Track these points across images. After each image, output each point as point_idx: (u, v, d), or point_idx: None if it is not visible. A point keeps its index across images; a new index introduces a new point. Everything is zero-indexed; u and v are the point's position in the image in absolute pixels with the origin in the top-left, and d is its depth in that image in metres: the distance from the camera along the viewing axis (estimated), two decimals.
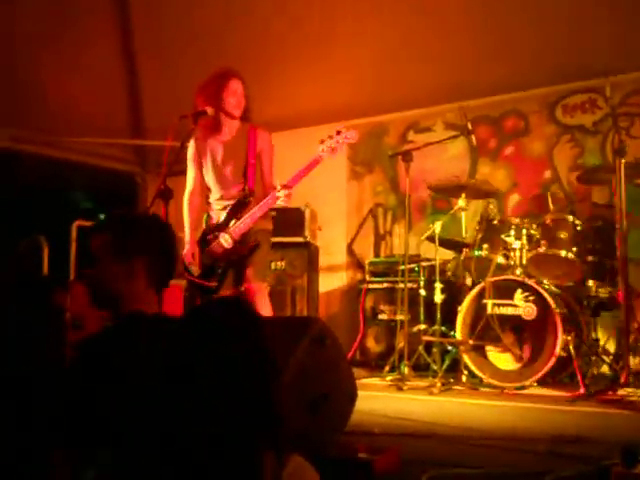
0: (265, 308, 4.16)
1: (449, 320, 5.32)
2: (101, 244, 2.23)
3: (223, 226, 4.29)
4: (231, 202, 4.31)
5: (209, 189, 4.46)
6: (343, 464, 2.31)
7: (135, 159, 9.13)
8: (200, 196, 4.53)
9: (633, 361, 4.63)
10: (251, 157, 4.30)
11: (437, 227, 5.34)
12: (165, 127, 7.64)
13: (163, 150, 8.65)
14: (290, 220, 6.64)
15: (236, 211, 4.27)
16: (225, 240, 4.25)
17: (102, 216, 2.47)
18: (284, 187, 4.12)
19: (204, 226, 4.46)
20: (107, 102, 7.51)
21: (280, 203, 4.17)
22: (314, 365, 2.44)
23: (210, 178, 4.42)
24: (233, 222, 4.25)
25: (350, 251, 7.54)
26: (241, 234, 4.23)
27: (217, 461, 1.41)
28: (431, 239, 5.48)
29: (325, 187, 7.26)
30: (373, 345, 6.32)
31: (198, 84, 4.40)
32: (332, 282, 7.48)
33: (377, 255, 7.32)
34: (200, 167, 4.47)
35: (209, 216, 4.45)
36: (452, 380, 4.93)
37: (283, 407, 2.31)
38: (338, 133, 4.20)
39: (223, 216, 4.32)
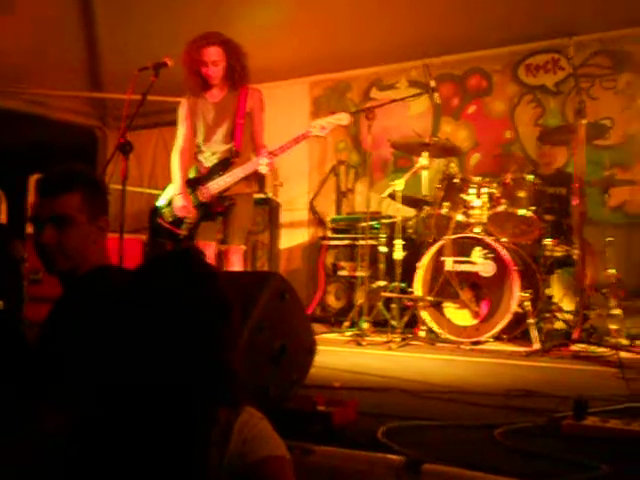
0: (237, 267, 4.25)
1: (409, 277, 5.37)
2: (76, 204, 2.09)
3: (204, 180, 4.36)
4: (219, 160, 4.35)
5: (198, 147, 4.51)
6: (302, 416, 2.34)
7: (95, 112, 8.97)
8: (188, 154, 4.55)
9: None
10: (239, 117, 4.34)
11: (398, 185, 5.35)
12: (125, 80, 7.55)
13: (122, 103, 8.55)
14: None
15: (219, 169, 4.33)
16: (201, 194, 4.31)
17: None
18: (269, 155, 4.18)
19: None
20: (66, 54, 7.34)
21: (261, 170, 4.22)
22: (274, 319, 2.46)
23: (200, 138, 4.49)
24: (215, 178, 4.30)
25: (312, 208, 7.53)
26: (219, 191, 4.29)
27: (161, 415, 1.42)
28: (393, 196, 5.50)
29: None
30: (333, 301, 6.37)
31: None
32: (293, 238, 7.49)
33: (339, 212, 7.33)
34: (191, 126, 4.51)
35: (197, 170, 4.48)
36: (410, 336, 5.00)
37: (242, 360, 2.33)
38: (332, 113, 4.27)
39: (207, 171, 4.37)
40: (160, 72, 4.18)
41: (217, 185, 4.31)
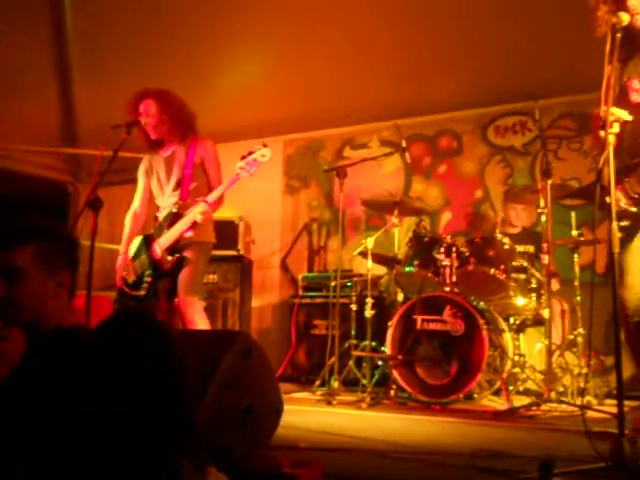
0: (198, 323, 4.12)
1: (380, 335, 5.37)
2: (29, 257, 2.07)
3: (155, 237, 4.31)
4: (165, 213, 4.34)
5: (157, 203, 4.51)
6: (267, 478, 2.30)
7: (67, 168, 8.97)
8: (144, 210, 4.55)
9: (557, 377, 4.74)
10: (187, 168, 4.31)
11: (369, 242, 5.38)
12: (98, 136, 7.56)
13: (96, 159, 8.54)
14: (223, 233, 6.60)
15: (168, 223, 4.28)
16: (153, 251, 4.26)
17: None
18: (202, 203, 4.16)
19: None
20: (40, 110, 7.36)
21: (198, 220, 4.17)
22: (240, 377, 2.43)
23: (155, 193, 4.50)
24: (164, 232, 4.26)
25: (284, 265, 7.53)
26: (168, 245, 4.24)
27: (125, 474, 1.39)
28: (364, 254, 5.53)
29: (260, 200, 7.27)
30: (304, 360, 6.33)
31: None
32: (265, 297, 7.47)
33: (311, 270, 7.33)
34: (146, 184, 4.55)
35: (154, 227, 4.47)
36: (381, 395, 4.96)
37: (206, 418, 2.30)
38: (254, 151, 4.23)
39: (157, 226, 4.34)
40: (133, 130, 4.22)
41: (166, 239, 4.26)
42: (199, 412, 2.24)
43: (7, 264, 2.07)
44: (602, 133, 2.69)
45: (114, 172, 4.30)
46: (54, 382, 1.86)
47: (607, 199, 2.65)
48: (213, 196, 4.20)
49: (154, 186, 4.50)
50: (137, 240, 4.48)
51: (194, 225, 4.20)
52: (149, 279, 4.27)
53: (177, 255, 4.21)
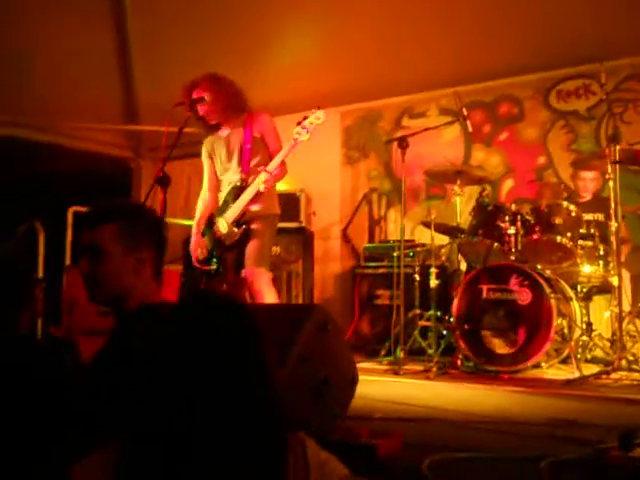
0: (268, 295, 4.18)
1: (444, 305, 5.37)
2: (109, 235, 2.15)
3: (220, 212, 4.37)
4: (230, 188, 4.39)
5: (220, 183, 4.57)
6: (346, 449, 2.33)
7: (128, 144, 9.12)
8: (213, 192, 4.61)
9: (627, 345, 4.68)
10: (245, 142, 4.35)
11: (433, 212, 5.36)
12: (158, 112, 7.66)
13: (156, 135, 8.66)
14: (285, 205, 6.63)
15: (232, 196, 4.34)
16: (222, 225, 4.33)
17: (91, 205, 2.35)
18: (264, 172, 4.20)
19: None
20: (100, 87, 7.49)
21: (261, 189, 4.21)
22: (316, 351, 2.47)
23: (220, 173, 4.55)
24: (227, 209, 4.32)
25: (344, 236, 7.55)
26: (235, 219, 4.29)
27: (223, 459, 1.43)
28: (426, 224, 5.51)
29: (319, 172, 7.29)
30: (368, 330, 6.37)
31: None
32: (327, 267, 7.51)
33: (371, 240, 7.34)
34: (212, 165, 4.60)
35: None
36: (447, 364, 4.97)
37: (285, 392, 2.34)
38: (305, 118, 4.25)
39: (222, 202, 4.40)
40: (196, 106, 4.27)
41: (232, 213, 4.33)
42: (278, 384, 2.28)
43: (89, 243, 2.16)
44: None
45: (176, 148, 4.35)
46: (140, 359, 1.93)
47: None
48: (274, 164, 4.23)
49: (218, 167, 4.56)
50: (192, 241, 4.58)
51: (258, 195, 4.24)
52: (218, 254, 4.35)
53: (243, 227, 4.27)
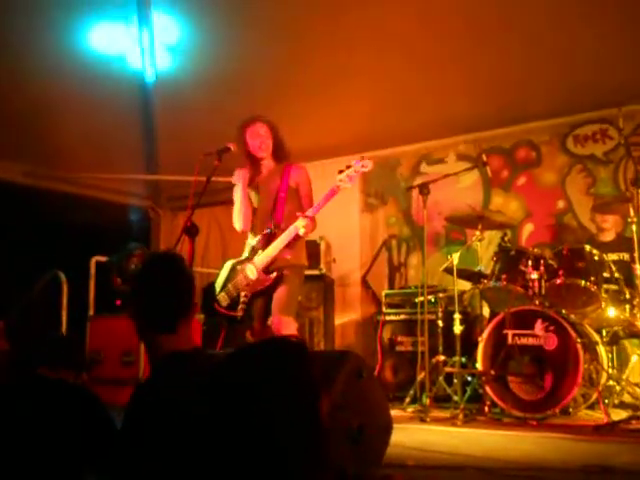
0: None
1: (467, 351, 5.35)
2: None
3: (250, 258, 4.38)
4: (261, 234, 4.41)
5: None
6: None
7: (148, 194, 9.24)
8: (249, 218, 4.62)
9: None
10: (282, 191, 4.40)
11: (455, 258, 5.38)
12: (177, 162, 7.73)
13: (175, 185, 8.75)
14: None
15: (263, 243, 4.35)
16: (250, 271, 4.33)
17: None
18: (303, 217, 4.22)
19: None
20: (122, 138, 7.60)
21: (300, 233, 4.24)
22: (352, 398, 2.47)
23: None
24: (259, 253, 4.33)
25: (364, 283, 7.57)
26: (266, 265, 4.30)
27: None
28: (448, 270, 5.53)
29: (339, 219, 7.33)
30: (391, 377, 6.33)
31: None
32: (347, 314, 7.52)
33: (391, 286, 7.35)
34: (247, 193, 4.58)
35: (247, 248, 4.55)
36: (474, 411, 4.93)
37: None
38: (355, 163, 4.28)
39: (250, 248, 4.42)
40: (223, 156, 4.34)
41: (262, 260, 4.33)
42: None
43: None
44: None
45: (193, 196, 4.41)
46: (182, 405, 1.95)
47: None
48: (312, 210, 4.26)
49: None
50: (228, 264, 4.57)
51: (290, 244, 4.27)
52: (245, 299, 4.36)
53: (276, 273, 4.29)
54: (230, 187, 4.70)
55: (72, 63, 5.73)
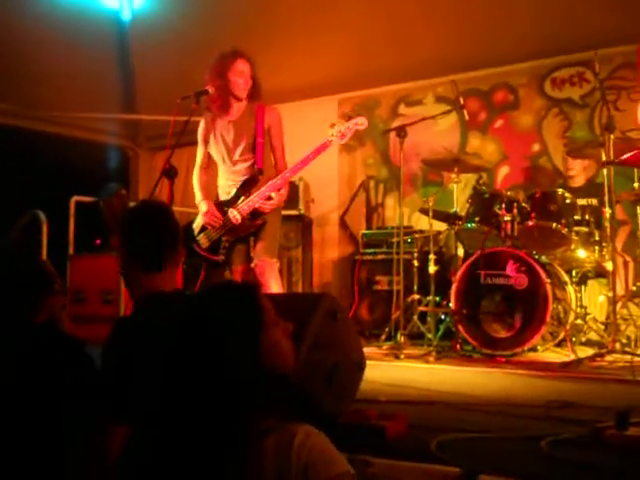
0: (275, 284, 4.29)
1: (441, 290, 5.49)
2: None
3: (232, 202, 4.42)
4: (240, 179, 4.44)
5: (220, 167, 4.58)
6: (356, 430, 2.46)
7: (126, 133, 9.19)
8: (207, 172, 4.66)
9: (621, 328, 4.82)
10: (259, 135, 4.41)
11: (430, 200, 5.48)
12: (156, 102, 7.69)
13: (153, 125, 8.70)
14: None
15: (245, 188, 4.39)
16: (234, 216, 4.38)
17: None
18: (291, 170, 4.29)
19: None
20: (100, 77, 7.54)
21: (274, 196, 4.33)
22: (327, 338, 2.58)
23: (220, 157, 4.54)
24: (242, 199, 4.38)
25: (342, 223, 7.67)
26: (249, 211, 4.35)
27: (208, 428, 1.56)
28: (424, 211, 5.62)
29: (317, 160, 7.31)
30: (367, 315, 6.49)
31: (208, 63, 4.47)
32: (325, 253, 7.63)
33: (369, 227, 7.45)
34: (210, 145, 4.60)
35: (223, 191, 4.57)
36: (446, 348, 5.10)
37: (298, 377, 2.46)
38: (349, 119, 4.32)
39: (232, 192, 4.44)
40: (201, 98, 4.36)
41: (247, 205, 4.38)
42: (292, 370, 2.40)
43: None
44: None
45: (172, 136, 4.40)
46: (161, 342, 2.06)
47: None
48: (301, 163, 4.32)
49: (218, 150, 4.57)
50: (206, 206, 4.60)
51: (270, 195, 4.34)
52: (226, 244, 4.42)
53: (262, 220, 4.35)
54: None
55: (48, 5, 5.66)
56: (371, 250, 6.65)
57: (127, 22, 5.94)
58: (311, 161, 4.33)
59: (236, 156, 4.48)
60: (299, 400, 2.24)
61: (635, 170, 5.11)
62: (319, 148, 4.30)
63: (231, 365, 1.59)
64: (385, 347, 5.45)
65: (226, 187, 4.54)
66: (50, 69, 6.84)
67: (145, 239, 2.37)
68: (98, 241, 6.76)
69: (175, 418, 1.60)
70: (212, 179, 4.73)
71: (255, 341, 1.64)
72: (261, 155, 4.42)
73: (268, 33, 6.78)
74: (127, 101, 8.17)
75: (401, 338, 5.20)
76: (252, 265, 4.37)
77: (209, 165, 4.70)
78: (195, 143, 4.61)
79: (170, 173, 4.03)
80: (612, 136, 4.63)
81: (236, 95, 4.43)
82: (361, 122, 4.31)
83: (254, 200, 4.34)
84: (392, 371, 4.42)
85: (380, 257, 6.54)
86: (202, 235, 4.52)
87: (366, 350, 5.34)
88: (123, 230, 2.42)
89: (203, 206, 4.50)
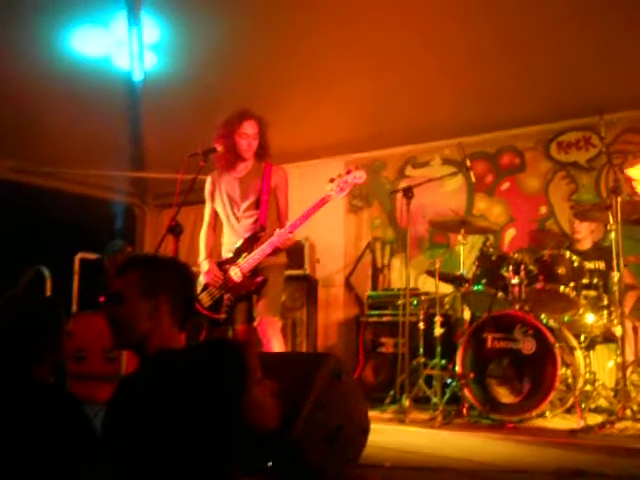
0: (277, 343, 4.25)
1: (448, 353, 5.41)
2: (129, 282, 2.27)
3: (234, 260, 4.40)
4: (243, 237, 4.42)
5: (225, 224, 4.58)
6: None
7: (134, 191, 9.24)
8: (214, 229, 4.67)
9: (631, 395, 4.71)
10: (264, 193, 4.42)
11: (438, 262, 5.45)
12: (164, 160, 7.73)
13: (161, 183, 8.73)
14: (290, 253, 6.70)
15: (247, 246, 4.38)
16: (235, 274, 4.36)
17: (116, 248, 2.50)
18: (290, 227, 4.27)
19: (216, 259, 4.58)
20: (109, 136, 7.60)
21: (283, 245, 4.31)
22: (331, 399, 2.52)
23: (224, 213, 4.56)
24: (244, 256, 4.36)
25: (348, 284, 7.62)
26: (250, 269, 4.33)
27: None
28: (431, 273, 5.59)
29: (324, 220, 7.31)
30: (372, 377, 6.38)
31: (216, 123, 4.52)
32: (330, 315, 7.56)
33: (375, 288, 7.40)
34: (217, 202, 4.63)
35: (226, 248, 4.55)
36: (453, 413, 4.99)
37: (300, 437, 2.40)
38: (347, 172, 4.32)
39: (235, 250, 4.43)
40: (209, 157, 4.38)
41: (247, 263, 4.35)
42: (294, 430, 2.34)
43: (112, 289, 2.29)
44: None
45: (186, 195, 4.41)
46: (151, 396, 2.03)
47: None
48: (301, 218, 4.29)
49: (223, 207, 4.59)
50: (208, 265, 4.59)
51: (276, 249, 4.31)
52: (228, 302, 4.38)
53: (262, 277, 4.31)
54: None
55: (59, 65, 5.76)
56: (376, 312, 6.59)
57: (138, 83, 6.01)
58: (310, 216, 4.30)
59: (240, 212, 4.49)
60: (294, 461, 2.18)
61: None
62: (318, 203, 4.29)
63: (212, 420, 1.58)
64: (390, 411, 5.34)
65: (229, 244, 4.54)
66: (61, 127, 6.89)
67: (190, 296, 2.35)
68: (102, 298, 6.71)
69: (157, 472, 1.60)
70: (219, 238, 4.74)
71: (236, 398, 1.63)
72: (265, 212, 4.42)
73: (276, 94, 6.83)
74: (135, 159, 8.21)
75: (406, 402, 5.10)
76: (254, 324, 4.32)
77: (217, 223, 4.71)
78: (202, 202, 4.64)
79: (176, 230, 4.01)
80: (619, 199, 4.62)
81: (241, 156, 4.47)
82: (359, 175, 4.31)
83: (255, 257, 4.32)
84: (397, 435, 4.32)
85: (386, 319, 6.46)
86: (204, 293, 4.49)
87: (370, 413, 5.28)
88: (176, 278, 2.36)
89: (205, 265, 4.52)
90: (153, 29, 5.38)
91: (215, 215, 4.67)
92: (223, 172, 4.59)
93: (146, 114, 6.98)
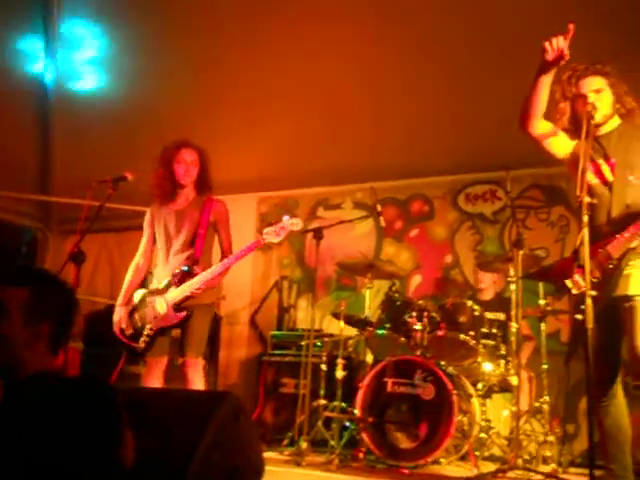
0: (199, 382, 4.18)
1: (348, 396, 5.40)
2: (16, 298, 2.16)
3: (162, 291, 4.30)
4: (176, 269, 4.32)
5: (158, 255, 4.52)
6: None
7: (37, 214, 8.93)
8: (147, 262, 4.60)
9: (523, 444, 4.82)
10: (202, 227, 4.36)
11: (342, 304, 5.48)
12: (71, 185, 7.52)
13: (66, 208, 8.46)
14: None
15: (178, 279, 4.27)
16: (160, 305, 4.26)
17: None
18: (222, 265, 4.24)
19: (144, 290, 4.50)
20: (15, 155, 7.36)
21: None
22: (228, 439, 2.46)
23: (160, 244, 4.49)
24: (172, 289, 4.26)
25: (252, 322, 7.55)
26: (176, 303, 4.23)
27: None
28: (336, 315, 5.61)
29: None
30: (271, 418, 6.32)
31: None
32: (233, 352, 7.46)
33: (280, 328, 7.35)
34: (152, 235, 4.55)
35: (156, 279, 4.46)
36: (349, 457, 4.98)
37: (196, 476, 2.34)
38: (285, 218, 4.33)
39: (165, 282, 4.33)
40: (118, 185, 4.28)
41: (174, 296, 4.26)
42: (190, 469, 2.28)
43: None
44: None
45: (84, 221, 4.32)
46: (17, 426, 1.95)
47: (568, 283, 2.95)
48: (233, 258, 4.28)
49: (159, 238, 4.52)
50: (139, 293, 4.49)
51: (207, 286, 4.25)
52: (150, 333, 4.28)
53: (186, 313, 4.23)
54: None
55: None
56: (280, 352, 6.54)
57: (50, 86, 5.74)
58: (243, 257, 4.31)
59: (176, 246, 4.42)
60: None
61: (541, 286, 5.24)
62: (251, 246, 4.32)
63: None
64: (287, 453, 5.28)
65: (161, 276, 4.42)
66: None
67: (72, 322, 2.27)
68: None
69: None
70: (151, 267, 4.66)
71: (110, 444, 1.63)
72: (201, 246, 4.37)
73: (191, 127, 6.79)
74: (41, 180, 7.94)
75: (303, 444, 5.06)
76: (178, 362, 4.24)
77: (151, 256, 4.61)
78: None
79: (78, 258, 3.91)
80: (520, 252, 4.76)
81: (179, 183, 4.41)
82: (296, 222, 4.33)
83: (184, 291, 4.23)
84: (292, 478, 4.27)
85: (288, 359, 6.42)
86: (128, 321, 4.40)
87: (267, 455, 5.23)
88: (62, 305, 2.26)
89: (117, 313, 4.44)
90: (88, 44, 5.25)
91: (152, 243, 4.58)
92: (162, 204, 4.52)
93: (56, 128, 6.80)
